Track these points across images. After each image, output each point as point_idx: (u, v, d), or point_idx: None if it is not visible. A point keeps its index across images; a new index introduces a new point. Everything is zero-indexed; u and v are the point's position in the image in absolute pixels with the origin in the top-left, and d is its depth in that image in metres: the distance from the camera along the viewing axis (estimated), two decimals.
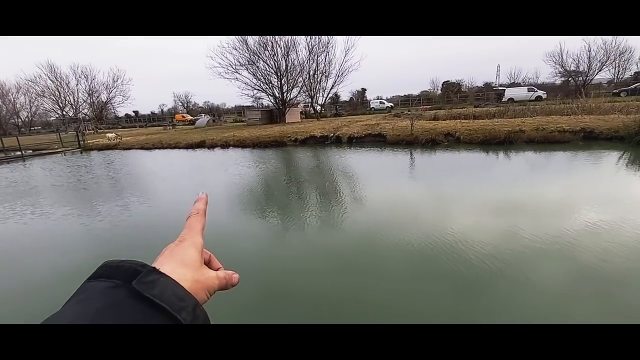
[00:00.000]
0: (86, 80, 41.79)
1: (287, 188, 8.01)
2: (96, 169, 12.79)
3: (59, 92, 41.02)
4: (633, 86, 29.17)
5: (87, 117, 43.25)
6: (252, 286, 3.45)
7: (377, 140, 14.10)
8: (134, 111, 62.99)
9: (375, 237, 4.50)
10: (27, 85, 41.32)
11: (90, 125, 40.62)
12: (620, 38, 34.87)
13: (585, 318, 2.66)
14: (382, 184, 7.49)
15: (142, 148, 18.77)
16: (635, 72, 39.78)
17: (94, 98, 42.90)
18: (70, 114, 42.49)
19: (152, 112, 69.58)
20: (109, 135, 23.44)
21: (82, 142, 21.40)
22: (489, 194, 6.10)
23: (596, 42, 35.41)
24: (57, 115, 43.52)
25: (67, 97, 41.75)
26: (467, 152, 10.57)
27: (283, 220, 5.53)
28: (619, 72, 37.66)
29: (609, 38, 34.98)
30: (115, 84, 42.56)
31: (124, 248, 4.74)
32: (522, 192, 6.15)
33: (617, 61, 36.50)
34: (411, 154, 10.97)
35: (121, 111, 54.97)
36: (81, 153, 19.22)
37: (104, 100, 43.68)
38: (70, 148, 20.92)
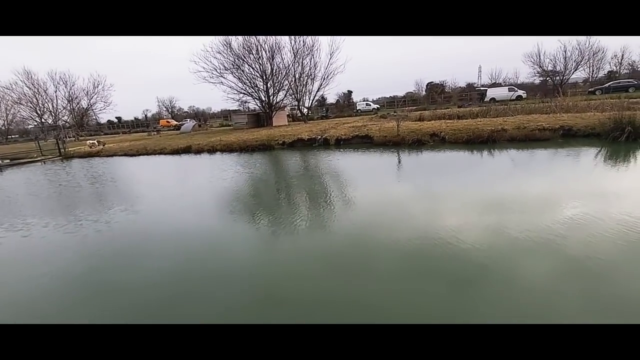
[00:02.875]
0: (65, 87, 40.63)
1: (276, 191, 7.99)
2: (77, 177, 12.42)
3: (36, 99, 39.75)
4: (607, 85, 30.38)
5: (67, 124, 42.01)
6: (245, 290, 3.43)
7: (364, 142, 14.21)
8: (116, 117, 61.58)
9: (366, 237, 4.53)
10: (2, 92, 39.88)
11: (71, 133, 39.44)
12: (593, 39, 36.35)
13: (572, 312, 2.74)
14: (370, 185, 7.55)
15: (125, 155, 18.35)
16: (609, 71, 41.49)
17: (74, 104, 41.72)
18: (50, 121, 41.21)
19: (135, 118, 68.17)
20: (89, 142, 22.85)
21: (62, 150, 20.75)
22: (476, 192, 6.24)
23: (571, 42, 36.76)
24: (36, 123, 42.11)
25: (46, 104, 40.51)
26: (452, 152, 10.78)
27: (273, 223, 5.51)
28: (593, 71, 39.23)
29: (582, 39, 36.39)
30: (96, 90, 41.51)
31: (110, 257, 4.62)
32: (507, 189, 6.31)
33: (591, 61, 38.04)
34: (398, 155, 11.10)
35: (103, 117, 53.65)
36: (62, 161, 18.64)
37: (85, 107, 42.54)
38: (50, 156, 20.25)
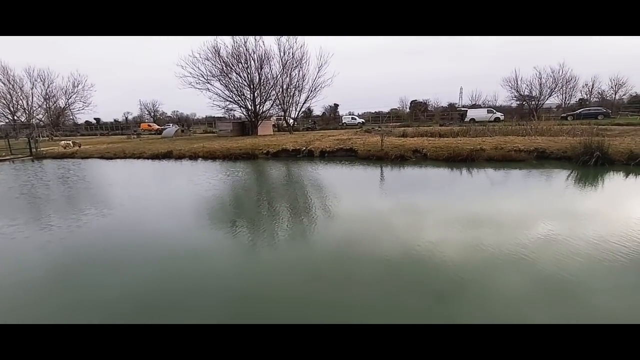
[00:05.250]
0: (43, 84, 39.08)
1: (258, 201, 7.86)
2: (47, 178, 11.83)
3: (10, 95, 37.97)
4: (578, 111, 32.29)
5: (41, 123, 40.25)
6: (223, 301, 3.29)
7: (348, 155, 14.32)
8: (95, 118, 59.82)
9: (349, 249, 4.49)
10: None
11: (45, 132, 37.82)
12: (565, 68, 38.71)
13: (543, 318, 2.87)
14: (354, 198, 7.56)
15: (102, 157, 17.70)
16: (580, 99, 44.09)
17: (50, 103, 40.10)
18: (23, 119, 39.37)
19: (115, 120, 66.45)
20: (63, 142, 21.97)
21: (34, 150, 19.82)
22: (455, 208, 6.34)
23: (546, 70, 39.01)
24: (7, 120, 40.11)
25: (20, 101, 38.73)
26: (433, 169, 11.01)
27: (255, 234, 5.38)
28: (566, 98, 41.56)
29: (556, 67, 38.67)
30: (76, 90, 40.06)
31: (79, 264, 4.35)
32: (485, 206, 6.46)
33: (564, 88, 40.33)
34: (381, 169, 11.23)
35: (81, 118, 51.91)
36: (32, 161, 17.77)
37: (62, 106, 40.97)
38: (20, 156, 19.28)
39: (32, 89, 38.81)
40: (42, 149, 20.67)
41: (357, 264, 4.06)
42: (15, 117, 39.14)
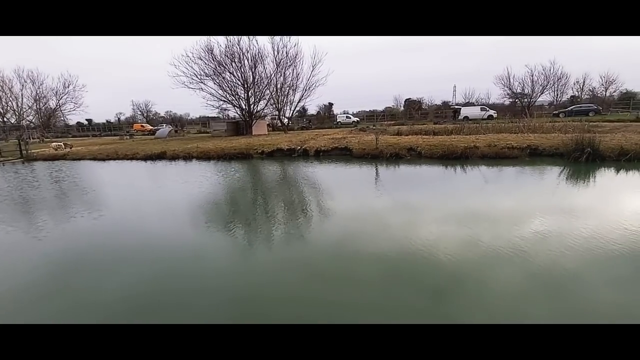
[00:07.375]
0: (33, 85, 38.54)
1: (255, 201, 7.83)
2: (39, 180, 11.66)
3: None
4: (569, 108, 32.70)
5: (32, 124, 39.69)
6: (222, 301, 3.27)
7: (343, 154, 14.33)
8: (86, 119, 59.08)
9: (346, 247, 4.50)
10: None
11: (36, 134, 37.28)
12: (557, 65, 39.17)
13: (538, 315, 2.89)
14: (350, 196, 7.57)
15: (94, 159, 17.48)
16: (571, 96, 44.64)
17: (41, 104, 39.56)
18: (13, 120, 38.78)
19: (107, 121, 65.69)
20: (53, 144, 21.69)
21: (24, 152, 19.52)
22: (450, 205, 6.39)
23: (537, 68, 39.41)
24: None
25: (9, 103, 38.16)
26: (428, 166, 11.06)
27: (252, 234, 5.36)
28: (557, 95, 42.06)
29: (547, 65, 39.08)
30: (67, 90, 39.63)
31: (78, 265, 4.30)
32: (479, 203, 6.51)
33: (556, 86, 40.81)
34: (376, 168, 11.26)
35: (72, 119, 51.23)
36: (23, 163, 17.51)
37: (53, 107, 40.44)
38: (10, 158, 18.98)
39: (21, 90, 38.32)
40: (32, 151, 20.35)
41: (355, 262, 4.07)
42: (5, 119, 38.57)
